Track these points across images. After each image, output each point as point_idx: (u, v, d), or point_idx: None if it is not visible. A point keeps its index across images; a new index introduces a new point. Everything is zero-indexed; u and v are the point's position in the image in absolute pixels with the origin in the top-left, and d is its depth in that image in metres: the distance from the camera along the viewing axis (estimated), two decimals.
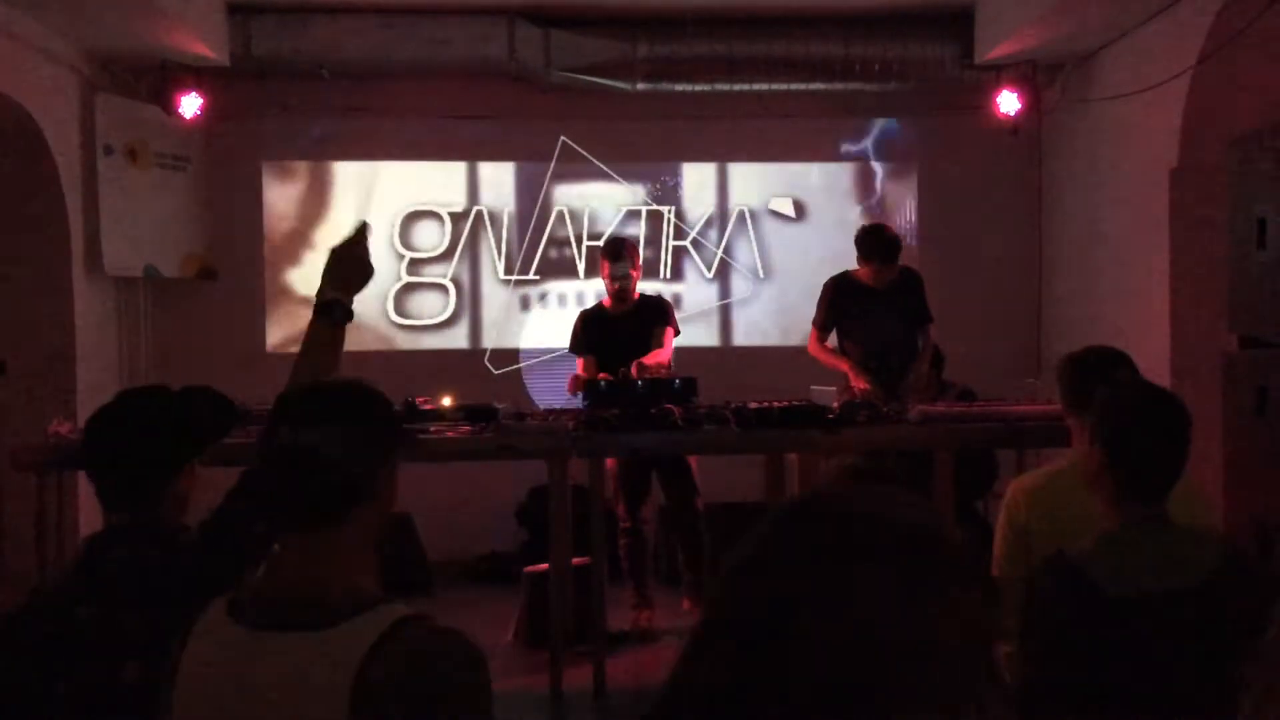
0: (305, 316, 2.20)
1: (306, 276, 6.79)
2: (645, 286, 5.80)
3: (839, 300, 5.42)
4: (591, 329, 5.49)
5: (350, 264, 2.19)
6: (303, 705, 1.43)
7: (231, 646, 1.51)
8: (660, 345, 5.32)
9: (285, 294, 6.96)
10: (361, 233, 2.22)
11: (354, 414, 1.61)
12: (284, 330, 6.88)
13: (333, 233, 2.25)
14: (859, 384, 5.18)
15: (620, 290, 5.40)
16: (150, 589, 1.95)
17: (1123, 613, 2.02)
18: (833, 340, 5.53)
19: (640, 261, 5.65)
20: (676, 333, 5.50)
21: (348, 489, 1.57)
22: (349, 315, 2.18)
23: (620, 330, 5.37)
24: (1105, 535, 2.14)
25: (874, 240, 5.27)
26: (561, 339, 5.79)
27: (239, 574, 2.02)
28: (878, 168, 7.25)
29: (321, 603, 1.50)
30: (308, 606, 1.50)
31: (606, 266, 5.40)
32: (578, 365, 5.54)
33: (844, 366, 5.34)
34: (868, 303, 5.33)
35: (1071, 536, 2.19)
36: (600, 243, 6.56)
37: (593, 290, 6.66)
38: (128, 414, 2.15)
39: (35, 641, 1.94)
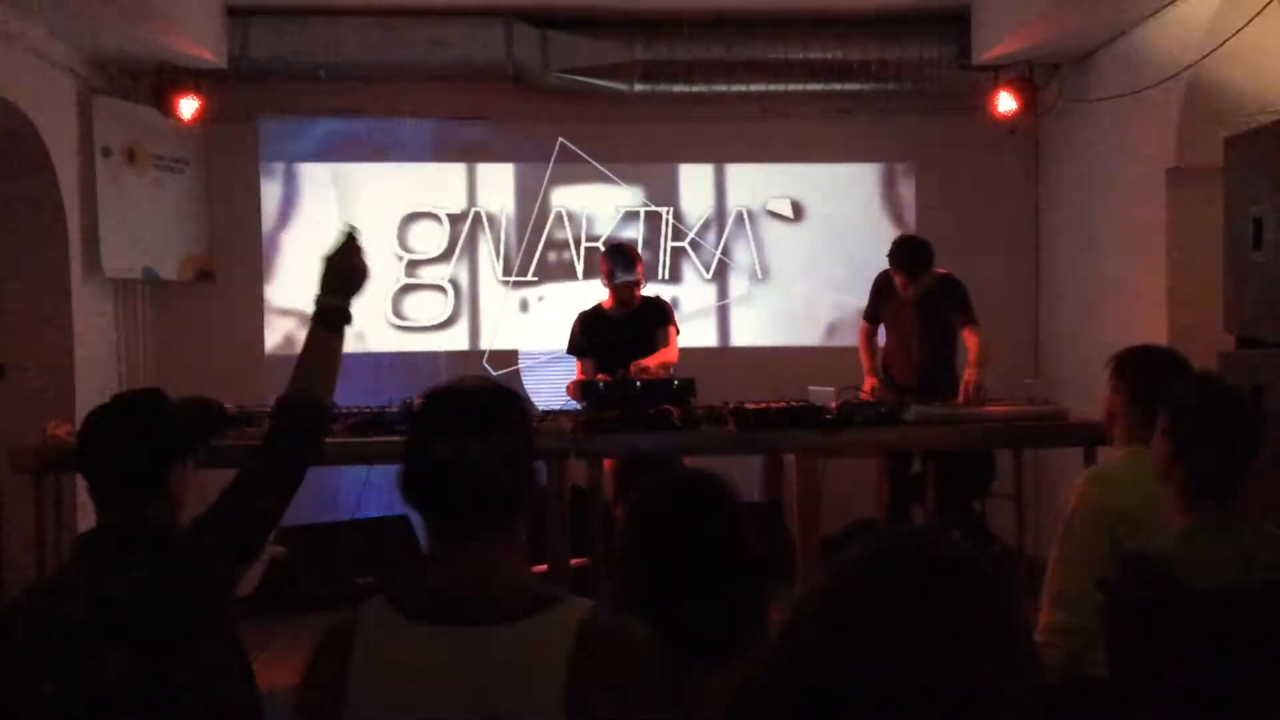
0: (303, 319, 2.21)
1: (305, 279, 6.77)
2: (644, 288, 5.78)
3: (880, 296, 5.54)
4: (590, 331, 5.48)
5: (345, 269, 2.21)
6: (525, 692, 1.50)
7: (429, 646, 1.54)
8: (666, 346, 5.32)
9: (283, 297, 6.95)
10: (351, 238, 2.23)
11: (509, 423, 1.65)
12: (283, 333, 6.88)
13: (331, 235, 2.26)
14: (866, 382, 5.30)
15: (626, 298, 5.39)
16: (142, 587, 1.95)
17: (1207, 607, 2.04)
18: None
19: (642, 267, 5.63)
20: (677, 332, 5.50)
21: (513, 495, 1.63)
22: (348, 320, 2.20)
23: (620, 332, 5.36)
24: (1183, 531, 2.17)
25: (901, 253, 5.30)
26: (560, 341, 5.77)
27: (232, 572, 2.02)
28: (876, 169, 7.26)
29: (512, 598, 1.57)
30: (500, 602, 1.56)
31: (614, 275, 5.32)
32: (576, 367, 5.53)
33: (864, 364, 5.48)
34: (896, 306, 5.45)
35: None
36: (599, 244, 6.56)
37: (591, 292, 6.66)
38: (118, 416, 2.18)
39: (27, 640, 1.95)
